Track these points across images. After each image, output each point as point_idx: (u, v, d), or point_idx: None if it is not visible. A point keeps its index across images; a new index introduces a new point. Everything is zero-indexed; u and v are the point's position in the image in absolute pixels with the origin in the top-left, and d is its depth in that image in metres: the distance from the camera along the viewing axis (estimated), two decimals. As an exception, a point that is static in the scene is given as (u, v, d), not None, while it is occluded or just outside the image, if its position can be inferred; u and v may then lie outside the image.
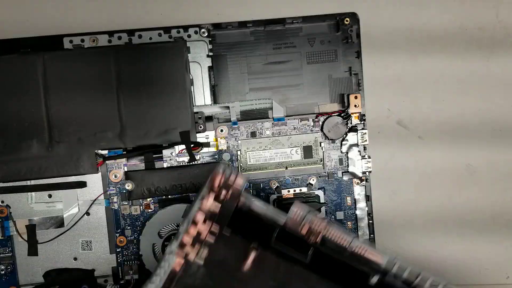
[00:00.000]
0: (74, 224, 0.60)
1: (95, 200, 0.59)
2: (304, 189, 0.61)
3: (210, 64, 0.59)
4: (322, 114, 0.60)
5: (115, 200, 0.60)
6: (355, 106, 0.60)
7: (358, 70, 0.61)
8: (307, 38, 0.60)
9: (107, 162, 0.59)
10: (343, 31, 0.60)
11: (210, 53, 0.59)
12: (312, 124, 0.61)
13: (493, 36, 0.66)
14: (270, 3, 0.64)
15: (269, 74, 0.60)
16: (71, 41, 0.58)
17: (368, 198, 0.61)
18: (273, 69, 0.60)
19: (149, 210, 0.60)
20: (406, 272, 0.44)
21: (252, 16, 0.61)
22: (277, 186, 0.61)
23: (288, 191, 0.61)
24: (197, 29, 0.59)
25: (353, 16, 0.60)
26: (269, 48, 0.60)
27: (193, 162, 0.60)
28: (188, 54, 0.59)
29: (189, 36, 0.59)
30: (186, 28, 0.59)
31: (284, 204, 0.60)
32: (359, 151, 0.60)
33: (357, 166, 0.61)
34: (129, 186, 0.59)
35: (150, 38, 0.59)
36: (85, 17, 0.62)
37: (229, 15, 0.63)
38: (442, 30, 0.66)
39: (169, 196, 0.60)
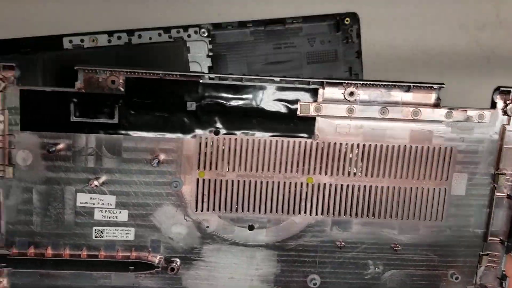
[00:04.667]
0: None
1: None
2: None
3: (210, 64, 0.59)
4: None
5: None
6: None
7: (358, 70, 0.61)
8: (307, 38, 0.60)
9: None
10: (343, 31, 0.60)
11: (210, 53, 0.59)
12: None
13: (494, 36, 0.66)
14: (270, 3, 0.64)
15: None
16: (70, 41, 0.58)
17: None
18: (273, 69, 0.60)
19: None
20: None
21: (252, 16, 0.61)
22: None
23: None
24: (197, 29, 0.59)
25: (354, 16, 0.60)
26: (269, 48, 0.60)
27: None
28: (188, 54, 0.59)
29: (189, 36, 0.59)
30: (186, 28, 0.59)
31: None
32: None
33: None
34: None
35: (150, 38, 0.59)
36: (85, 17, 0.62)
37: (229, 15, 0.62)
38: (443, 31, 0.66)
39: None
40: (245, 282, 0.51)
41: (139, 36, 0.59)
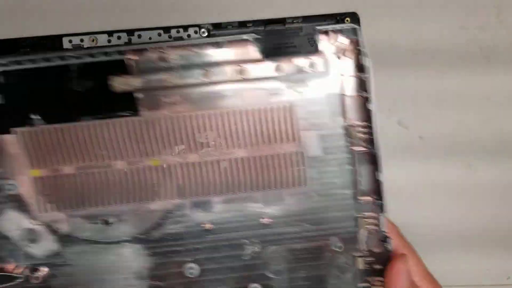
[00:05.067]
0: None
1: None
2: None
3: (210, 64, 0.59)
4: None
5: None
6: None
7: (359, 71, 0.61)
8: (307, 38, 0.60)
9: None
10: (343, 31, 0.60)
11: (210, 53, 0.59)
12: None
13: (494, 37, 0.66)
14: (270, 3, 0.64)
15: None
16: (70, 41, 0.58)
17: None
18: (273, 69, 0.60)
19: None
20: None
21: (252, 16, 0.61)
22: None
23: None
24: (197, 29, 0.59)
25: (354, 16, 0.60)
26: (269, 48, 0.60)
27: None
28: (188, 54, 0.58)
29: (188, 36, 0.59)
30: (186, 28, 0.59)
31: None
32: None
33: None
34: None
35: (150, 38, 0.58)
36: (85, 17, 0.62)
37: (229, 15, 0.62)
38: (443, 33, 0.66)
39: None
40: (120, 282, 0.47)
41: (139, 36, 0.58)
